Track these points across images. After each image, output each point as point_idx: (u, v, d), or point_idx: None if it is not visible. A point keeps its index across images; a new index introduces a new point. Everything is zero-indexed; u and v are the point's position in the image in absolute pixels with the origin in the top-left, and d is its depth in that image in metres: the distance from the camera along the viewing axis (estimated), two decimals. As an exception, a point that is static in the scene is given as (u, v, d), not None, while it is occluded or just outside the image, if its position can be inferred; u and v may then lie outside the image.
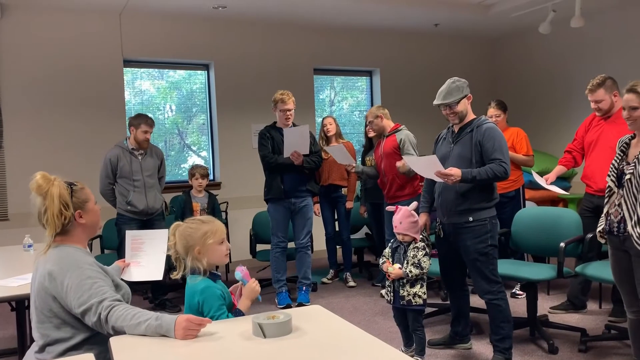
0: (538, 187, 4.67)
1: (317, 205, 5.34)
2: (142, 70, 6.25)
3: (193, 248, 2.08)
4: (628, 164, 2.69)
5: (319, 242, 5.90)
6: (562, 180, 6.32)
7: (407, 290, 3.20)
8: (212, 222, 2.16)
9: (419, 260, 3.16)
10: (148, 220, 4.57)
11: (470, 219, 3.16)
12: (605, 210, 2.82)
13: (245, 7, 5.88)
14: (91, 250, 4.10)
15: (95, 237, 5.07)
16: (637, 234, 2.60)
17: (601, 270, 3.41)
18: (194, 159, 6.61)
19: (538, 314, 3.79)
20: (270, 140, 4.61)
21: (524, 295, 4.43)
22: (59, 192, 1.96)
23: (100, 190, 4.54)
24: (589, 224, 3.69)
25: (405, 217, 3.20)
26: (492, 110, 4.75)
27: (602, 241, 2.87)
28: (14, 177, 5.41)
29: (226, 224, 5.47)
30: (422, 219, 3.35)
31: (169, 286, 5.00)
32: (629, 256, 2.71)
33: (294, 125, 4.70)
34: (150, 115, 4.70)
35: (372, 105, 7.24)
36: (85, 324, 1.90)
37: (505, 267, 3.65)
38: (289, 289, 4.80)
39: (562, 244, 3.51)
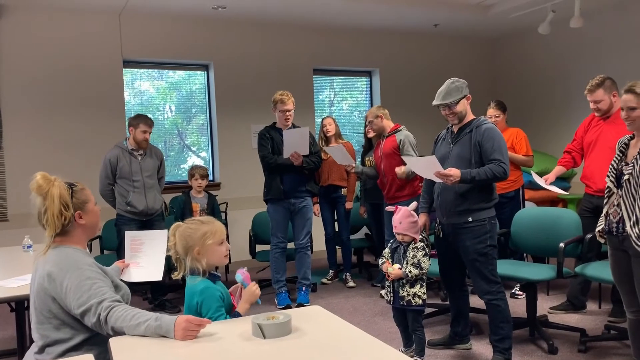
0: (538, 187, 4.67)
1: (317, 206, 5.34)
2: (142, 70, 6.25)
3: (192, 248, 2.08)
4: (627, 164, 2.69)
5: (319, 242, 5.90)
6: (562, 181, 6.33)
7: (406, 291, 3.20)
8: (212, 222, 2.16)
9: (418, 260, 3.16)
10: (148, 221, 4.57)
11: (470, 219, 3.17)
12: (604, 211, 2.82)
13: (244, 8, 5.89)
14: (91, 251, 4.09)
15: (94, 238, 5.07)
16: (635, 234, 2.60)
17: (601, 270, 3.42)
18: (193, 160, 6.61)
19: (538, 314, 3.79)
20: (270, 140, 4.61)
21: (524, 295, 4.44)
22: (59, 193, 1.96)
23: (100, 191, 4.54)
24: (588, 224, 3.69)
25: (405, 217, 3.20)
26: (492, 111, 4.76)
27: (602, 241, 2.88)
28: (13, 178, 5.41)
29: (226, 225, 5.47)
30: (422, 219, 3.36)
31: (169, 287, 5.00)
32: (629, 256, 2.71)
33: (293, 126, 4.70)
34: (149, 115, 4.70)
35: (371, 105, 7.24)
36: (85, 324, 1.90)
37: (505, 267, 3.66)
38: (289, 290, 4.80)
39: (562, 244, 3.51)
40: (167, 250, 2.26)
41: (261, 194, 4.74)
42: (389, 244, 3.38)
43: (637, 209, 2.60)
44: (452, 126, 3.33)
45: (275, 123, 4.72)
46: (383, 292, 4.48)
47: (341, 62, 7.07)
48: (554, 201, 6.54)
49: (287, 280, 4.84)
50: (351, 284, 5.37)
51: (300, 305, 4.58)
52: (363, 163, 5.39)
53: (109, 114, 5.83)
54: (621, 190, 2.68)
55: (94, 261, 2.02)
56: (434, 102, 3.26)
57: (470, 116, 3.27)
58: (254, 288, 2.14)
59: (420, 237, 3.26)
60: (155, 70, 6.34)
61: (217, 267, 2.35)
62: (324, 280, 5.56)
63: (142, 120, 4.54)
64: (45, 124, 5.57)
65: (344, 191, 5.42)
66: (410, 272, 3.15)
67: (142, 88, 6.27)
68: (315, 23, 6.62)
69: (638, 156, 2.63)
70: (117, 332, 1.84)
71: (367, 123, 4.99)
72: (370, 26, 6.91)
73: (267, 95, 5.00)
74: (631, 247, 2.64)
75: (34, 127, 5.53)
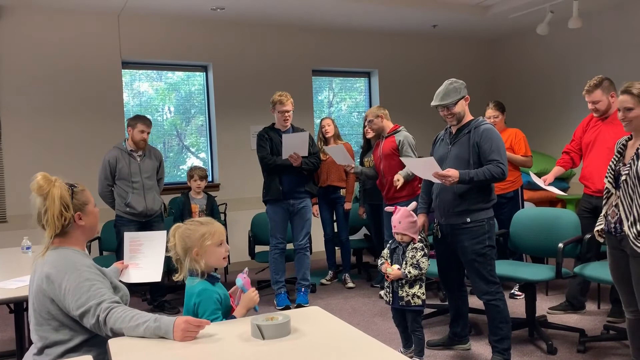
0: (536, 187, 4.68)
1: (316, 207, 5.35)
2: (141, 71, 6.25)
3: (191, 249, 2.08)
4: (624, 165, 2.69)
5: (318, 243, 5.91)
6: (561, 181, 6.34)
7: (405, 291, 3.20)
8: (211, 223, 2.16)
9: (417, 260, 3.16)
10: (147, 222, 4.57)
11: (468, 219, 3.17)
12: (603, 211, 2.83)
13: (243, 9, 5.89)
14: (90, 252, 4.09)
15: (94, 239, 5.07)
16: (633, 234, 2.60)
17: (600, 270, 3.42)
18: (192, 161, 6.61)
19: (537, 315, 3.79)
20: (269, 141, 4.61)
21: (523, 295, 4.44)
22: (60, 193, 1.96)
23: (99, 192, 4.53)
24: (587, 225, 3.70)
25: (404, 217, 3.21)
26: (491, 111, 4.77)
27: (601, 240, 2.88)
28: (12, 179, 5.41)
29: (225, 226, 5.47)
30: (420, 219, 3.36)
31: (168, 288, 4.99)
32: (627, 256, 2.71)
33: (292, 126, 4.70)
34: (148, 116, 4.70)
35: (370, 106, 7.24)
36: (84, 326, 1.90)
37: (504, 267, 3.66)
38: (288, 290, 4.80)
39: (561, 245, 3.52)
40: (167, 251, 2.26)
41: (260, 194, 4.74)
42: (388, 245, 3.38)
43: (634, 209, 2.60)
44: (450, 127, 3.33)
45: (274, 124, 4.72)
46: (382, 292, 4.47)
47: (340, 63, 7.07)
48: (552, 201, 6.55)
49: (286, 281, 4.84)
50: (350, 284, 5.37)
51: (299, 306, 4.58)
52: (362, 164, 5.39)
53: (107, 114, 5.83)
54: (619, 191, 2.69)
55: (93, 262, 2.02)
56: (433, 103, 3.26)
57: (468, 117, 3.28)
58: (253, 294, 2.13)
59: (419, 237, 3.26)
60: (154, 71, 6.34)
61: (216, 269, 2.34)
62: (323, 281, 5.56)
63: (140, 120, 4.54)
64: (44, 124, 5.57)
65: (343, 192, 5.43)
66: (409, 272, 3.15)
67: (141, 89, 6.28)
68: (314, 24, 6.62)
69: (635, 157, 2.64)
70: (116, 334, 1.83)
71: (366, 122, 4.99)
72: (369, 27, 6.91)
73: (266, 96, 5.00)
74: (629, 247, 2.64)
75: (33, 128, 5.52)
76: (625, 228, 2.64)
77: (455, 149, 3.24)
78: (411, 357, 3.30)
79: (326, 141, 5.39)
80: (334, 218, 5.54)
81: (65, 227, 1.98)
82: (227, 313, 2.11)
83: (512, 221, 4.09)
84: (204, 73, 6.53)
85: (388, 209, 3.48)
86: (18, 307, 2.96)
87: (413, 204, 3.31)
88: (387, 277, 3.24)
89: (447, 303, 3.74)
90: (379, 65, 7.31)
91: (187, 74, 6.50)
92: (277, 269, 4.70)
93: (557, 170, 4.12)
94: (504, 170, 3.10)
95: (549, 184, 4.00)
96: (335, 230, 5.56)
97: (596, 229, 2.87)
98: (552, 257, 3.83)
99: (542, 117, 7.29)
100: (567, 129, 6.43)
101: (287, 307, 4.55)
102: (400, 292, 3.22)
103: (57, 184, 1.97)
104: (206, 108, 6.55)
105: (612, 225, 2.74)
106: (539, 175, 4.16)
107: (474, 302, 3.85)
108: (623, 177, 2.66)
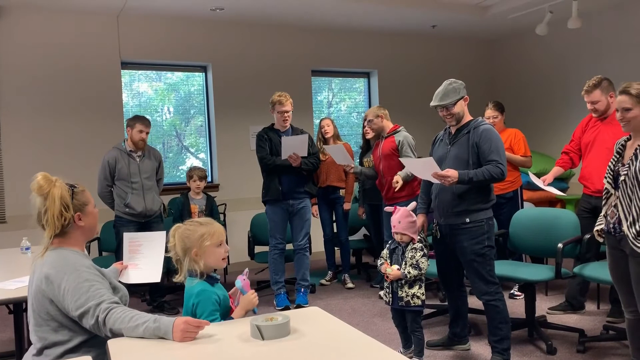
0: (536, 188, 4.68)
1: (315, 207, 5.35)
2: (140, 72, 6.25)
3: (190, 250, 2.08)
4: (623, 165, 2.70)
5: (317, 243, 5.90)
6: (560, 181, 6.34)
7: (405, 291, 3.20)
8: (211, 224, 2.16)
9: (417, 261, 3.17)
10: (146, 223, 4.57)
11: (467, 220, 3.17)
12: (603, 212, 2.83)
13: (242, 9, 5.89)
14: (89, 253, 4.09)
15: (93, 240, 5.06)
16: (632, 234, 2.61)
17: (599, 270, 3.42)
18: (192, 161, 6.60)
19: (536, 315, 3.79)
20: (268, 142, 4.61)
21: (522, 296, 4.44)
22: (60, 194, 1.96)
23: (98, 193, 4.53)
24: (586, 225, 3.70)
25: (404, 217, 3.21)
26: (490, 112, 4.77)
27: (600, 240, 2.88)
28: (11, 179, 5.40)
29: (224, 226, 5.46)
30: (420, 219, 3.36)
31: (167, 288, 4.99)
32: (627, 256, 2.71)
33: (292, 127, 4.70)
34: (147, 117, 4.70)
35: (369, 107, 7.23)
36: (83, 326, 1.90)
37: (504, 268, 3.66)
38: (288, 291, 4.80)
39: (560, 245, 3.52)
40: (166, 251, 2.26)
41: (260, 195, 4.74)
42: (387, 245, 3.38)
43: (633, 210, 2.60)
44: (449, 127, 3.33)
45: (273, 124, 4.72)
46: (382, 293, 4.48)
47: (339, 63, 7.07)
48: (552, 202, 6.55)
49: (286, 282, 4.83)
50: (350, 285, 5.36)
51: (299, 306, 4.58)
52: (361, 164, 5.39)
53: (107, 115, 5.83)
54: (618, 192, 2.69)
55: (92, 263, 2.02)
56: (432, 103, 3.27)
57: (467, 117, 3.28)
58: (252, 296, 2.13)
59: (419, 237, 3.26)
60: (154, 72, 6.33)
61: (215, 269, 2.34)
62: (323, 281, 5.56)
63: (138, 120, 4.54)
64: (44, 125, 5.57)
65: (342, 192, 5.43)
66: (408, 272, 3.15)
67: (140, 89, 6.27)
68: (313, 24, 6.62)
69: (634, 157, 2.64)
70: (116, 334, 1.83)
71: (366, 122, 4.99)
72: (368, 27, 6.92)
73: (266, 97, 5.00)
74: (628, 247, 2.64)
75: (32, 129, 5.52)
76: (625, 228, 2.64)
77: (455, 149, 3.24)
78: (411, 358, 3.30)
79: (325, 141, 5.39)
80: (334, 218, 5.54)
81: (65, 227, 1.98)
82: (226, 314, 2.11)
83: (512, 221, 4.09)
84: (204, 73, 6.53)
85: (387, 209, 3.48)
86: (17, 307, 2.96)
87: (413, 204, 3.31)
88: (387, 277, 3.24)
89: (446, 303, 3.74)
90: (378, 65, 7.31)
91: (186, 74, 6.50)
92: (276, 270, 4.70)
93: (556, 171, 4.12)
94: (503, 171, 3.11)
95: (548, 184, 4.00)
96: (335, 230, 5.56)
97: (596, 228, 2.87)
98: (551, 257, 3.83)
99: (541, 117, 7.29)
100: (566, 129, 6.43)
101: (286, 308, 4.55)
102: (399, 293, 3.22)
103: (57, 184, 1.98)
104: (205, 108, 6.54)
105: (611, 226, 2.74)
106: (538, 175, 4.16)
107: (474, 302, 3.85)
108: (622, 178, 2.66)
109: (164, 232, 2.52)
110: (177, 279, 2.13)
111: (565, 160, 4.14)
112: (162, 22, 6.05)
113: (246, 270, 2.22)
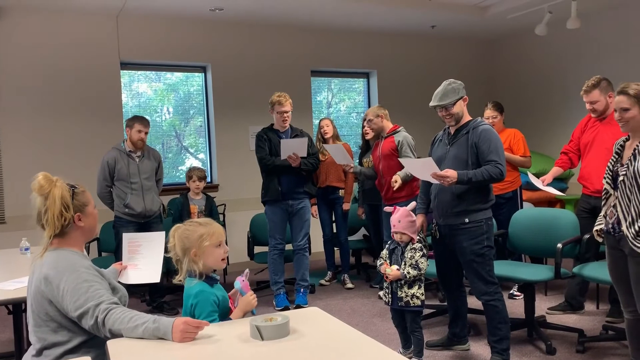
0: (535, 188, 4.69)
1: (315, 207, 5.35)
2: (139, 72, 6.25)
3: (189, 250, 2.08)
4: (622, 165, 2.70)
5: (317, 244, 5.90)
6: (559, 181, 6.34)
7: (405, 292, 3.20)
8: (210, 224, 2.15)
9: (416, 261, 3.17)
10: (145, 223, 4.57)
11: (466, 220, 3.17)
12: (602, 212, 2.83)
13: (242, 9, 5.89)
14: (88, 253, 4.09)
15: (92, 240, 5.06)
16: (631, 234, 2.61)
17: (598, 270, 3.42)
18: (191, 161, 6.60)
19: (536, 315, 3.80)
20: (268, 142, 4.62)
21: (522, 296, 4.44)
22: (61, 194, 1.96)
23: (98, 193, 4.53)
24: (586, 225, 3.70)
25: (403, 216, 3.21)
26: (489, 112, 4.77)
27: (600, 240, 2.88)
28: (10, 180, 5.40)
29: (224, 226, 5.46)
30: (419, 220, 3.37)
31: (167, 289, 4.99)
32: (626, 255, 2.71)
33: (291, 127, 4.70)
34: (147, 117, 4.69)
35: (369, 107, 7.23)
36: (82, 327, 1.90)
37: (503, 268, 3.66)
38: (287, 291, 4.80)
39: (560, 245, 3.52)
40: (166, 251, 2.26)
41: (259, 195, 4.74)
42: (387, 245, 3.38)
43: (632, 209, 2.61)
44: (449, 127, 3.33)
45: (272, 125, 4.72)
46: (381, 293, 4.48)
47: (339, 63, 7.07)
48: (551, 202, 6.55)
49: (285, 282, 4.83)
50: (349, 285, 5.36)
51: (298, 306, 4.58)
52: (361, 164, 5.39)
53: (106, 115, 5.83)
54: (617, 192, 2.69)
55: (91, 264, 2.02)
56: (431, 104, 3.27)
57: (467, 117, 3.28)
58: (250, 298, 2.12)
59: (418, 237, 3.26)
60: (153, 72, 6.33)
61: (214, 270, 2.34)
62: (322, 281, 5.56)
63: (137, 120, 4.54)
64: (43, 125, 5.56)
65: (341, 192, 5.43)
66: (408, 273, 3.16)
67: (139, 90, 6.27)
68: (312, 24, 6.62)
69: (632, 157, 2.64)
70: (115, 335, 1.83)
71: (366, 122, 4.99)
72: (368, 28, 6.92)
73: (265, 97, 5.00)
74: (627, 247, 2.65)
75: (32, 129, 5.52)
76: (624, 228, 2.64)
77: (454, 149, 3.24)
78: (410, 358, 3.30)
79: (325, 142, 5.39)
80: (333, 219, 5.54)
81: (64, 227, 1.98)
82: (225, 315, 2.10)
83: (511, 221, 4.09)
84: (203, 74, 6.53)
85: (387, 209, 3.48)
86: (17, 308, 2.96)
87: (412, 204, 3.31)
88: (386, 277, 3.24)
89: (446, 303, 3.74)
90: (377, 65, 7.31)
91: (185, 74, 6.50)
92: (276, 270, 4.70)
93: (555, 171, 4.13)
94: (502, 171, 3.11)
95: (548, 185, 4.00)
96: (334, 230, 5.56)
97: (595, 228, 2.88)
98: (551, 258, 3.83)
99: (540, 117, 7.29)
100: (565, 129, 6.43)
101: (286, 308, 4.55)
102: (399, 293, 3.22)
103: (58, 184, 1.98)
104: (205, 109, 6.54)
105: (611, 225, 2.75)
106: (538, 175, 4.16)
107: (473, 302, 3.86)
108: (621, 178, 2.66)
109: (163, 233, 2.52)
110: (176, 280, 2.13)
111: (564, 160, 4.14)
112: (161, 23, 6.05)
113: (246, 271, 2.22)
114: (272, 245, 4.69)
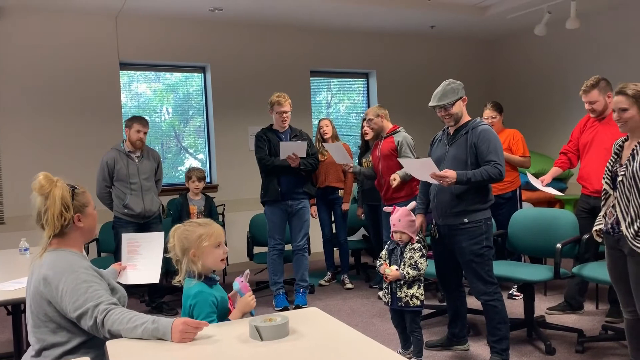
0: (535, 188, 4.69)
1: (314, 208, 5.35)
2: (139, 72, 6.25)
3: (188, 250, 2.08)
4: (621, 165, 2.70)
5: (316, 244, 5.90)
6: (559, 182, 6.34)
7: (404, 292, 3.20)
8: (209, 225, 2.15)
9: (415, 261, 3.17)
10: (145, 224, 4.56)
11: (465, 220, 3.17)
12: (602, 212, 2.83)
13: (241, 10, 5.89)
14: (88, 254, 4.09)
15: (92, 241, 5.06)
16: (631, 234, 2.61)
17: (598, 271, 3.42)
18: (190, 162, 6.60)
19: (535, 315, 3.80)
20: (267, 142, 4.62)
21: (521, 296, 4.44)
22: (61, 194, 1.96)
23: (97, 193, 4.53)
24: (585, 225, 3.70)
25: (403, 216, 3.21)
26: (488, 112, 4.77)
27: (599, 240, 2.89)
28: (9, 180, 5.40)
29: (223, 227, 5.47)
30: (419, 220, 3.37)
31: (166, 289, 4.99)
32: (625, 255, 2.72)
33: (290, 127, 4.70)
34: (146, 117, 4.69)
35: (368, 107, 7.24)
36: (81, 328, 1.89)
37: (502, 268, 3.66)
38: (286, 291, 4.80)
39: (559, 245, 3.52)
40: (165, 252, 2.25)
41: (258, 195, 4.74)
42: (386, 245, 3.38)
43: (631, 210, 2.61)
44: (448, 128, 3.33)
45: (272, 125, 4.72)
46: (381, 293, 4.48)
47: (338, 63, 7.07)
48: (551, 202, 6.55)
49: (285, 282, 4.83)
50: (349, 285, 5.36)
51: (297, 307, 4.58)
52: (360, 165, 5.39)
53: (105, 116, 5.82)
54: (616, 192, 2.69)
55: (90, 264, 2.02)
56: (430, 104, 3.27)
57: (466, 118, 3.28)
58: (249, 299, 2.12)
59: (417, 237, 3.27)
60: (152, 73, 6.33)
61: (214, 270, 2.34)
62: (322, 281, 5.56)
63: (136, 120, 4.55)
64: (42, 126, 5.56)
65: (341, 192, 5.43)
66: (407, 273, 3.16)
67: (139, 90, 6.27)
68: (312, 25, 6.62)
69: (631, 157, 2.64)
70: (114, 335, 1.83)
71: (365, 122, 4.98)
72: (367, 28, 6.92)
73: (264, 97, 5.00)
74: (627, 247, 2.65)
75: (31, 129, 5.52)
76: (623, 228, 2.64)
77: (453, 149, 3.24)
78: (410, 358, 3.30)
79: (324, 142, 5.39)
80: (333, 219, 5.54)
81: (64, 227, 1.98)
82: (224, 316, 2.10)
83: (510, 221, 4.09)
84: (202, 74, 6.53)
85: (386, 209, 3.48)
86: (16, 309, 2.95)
87: (412, 204, 3.32)
88: (386, 277, 3.24)
89: (445, 304, 3.74)
90: (377, 66, 7.31)
91: (185, 75, 6.49)
92: (275, 270, 4.70)
93: (554, 171, 4.13)
94: (502, 171, 3.11)
95: (547, 185, 4.00)
96: (334, 231, 5.56)
97: (594, 228, 2.88)
98: (550, 258, 3.83)
99: (540, 117, 7.30)
100: (565, 129, 6.43)
101: (285, 308, 4.54)
102: (398, 293, 3.22)
103: (58, 184, 1.98)
104: (204, 109, 6.54)
105: (610, 225, 2.75)
106: (537, 175, 4.16)
107: (473, 302, 3.86)
108: (619, 178, 2.66)
109: (163, 233, 2.52)
110: (175, 280, 2.12)
111: (563, 160, 4.14)
112: (160, 23, 6.05)
113: (247, 272, 2.21)
114: (272, 246, 4.69)
